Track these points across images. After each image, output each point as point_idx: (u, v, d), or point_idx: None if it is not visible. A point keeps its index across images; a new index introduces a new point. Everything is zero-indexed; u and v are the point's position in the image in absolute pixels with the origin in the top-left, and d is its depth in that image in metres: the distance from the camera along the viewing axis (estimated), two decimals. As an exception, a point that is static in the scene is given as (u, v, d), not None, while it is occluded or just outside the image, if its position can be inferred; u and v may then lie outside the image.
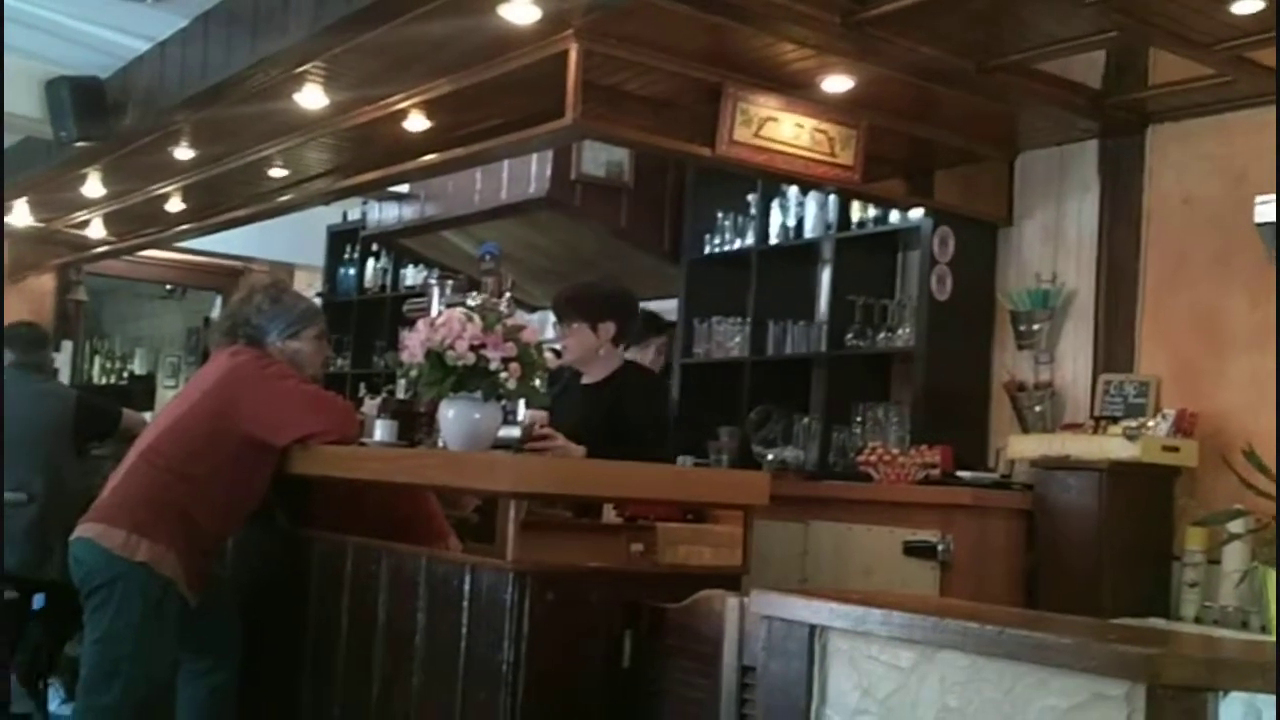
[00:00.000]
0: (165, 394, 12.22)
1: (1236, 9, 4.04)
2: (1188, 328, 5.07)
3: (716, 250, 6.98)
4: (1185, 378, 5.03)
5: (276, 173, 6.93)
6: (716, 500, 3.89)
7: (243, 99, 5.59)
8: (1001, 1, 4.20)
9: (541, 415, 4.07)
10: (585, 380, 4.62)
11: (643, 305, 5.10)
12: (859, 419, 5.99)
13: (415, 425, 4.04)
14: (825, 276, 6.51)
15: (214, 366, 4.03)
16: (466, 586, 3.29)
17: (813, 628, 2.46)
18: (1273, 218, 4.32)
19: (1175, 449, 4.79)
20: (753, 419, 6.01)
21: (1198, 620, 4.61)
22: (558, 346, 4.61)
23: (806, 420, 6.29)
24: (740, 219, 6.87)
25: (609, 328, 4.61)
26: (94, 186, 7.53)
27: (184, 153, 6.59)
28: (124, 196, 7.80)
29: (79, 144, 6.48)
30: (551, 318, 7.78)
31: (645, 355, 5.52)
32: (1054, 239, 5.58)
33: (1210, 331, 4.98)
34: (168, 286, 13.18)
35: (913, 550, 4.83)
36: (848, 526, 5.09)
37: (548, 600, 3.16)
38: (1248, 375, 4.83)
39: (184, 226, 8.31)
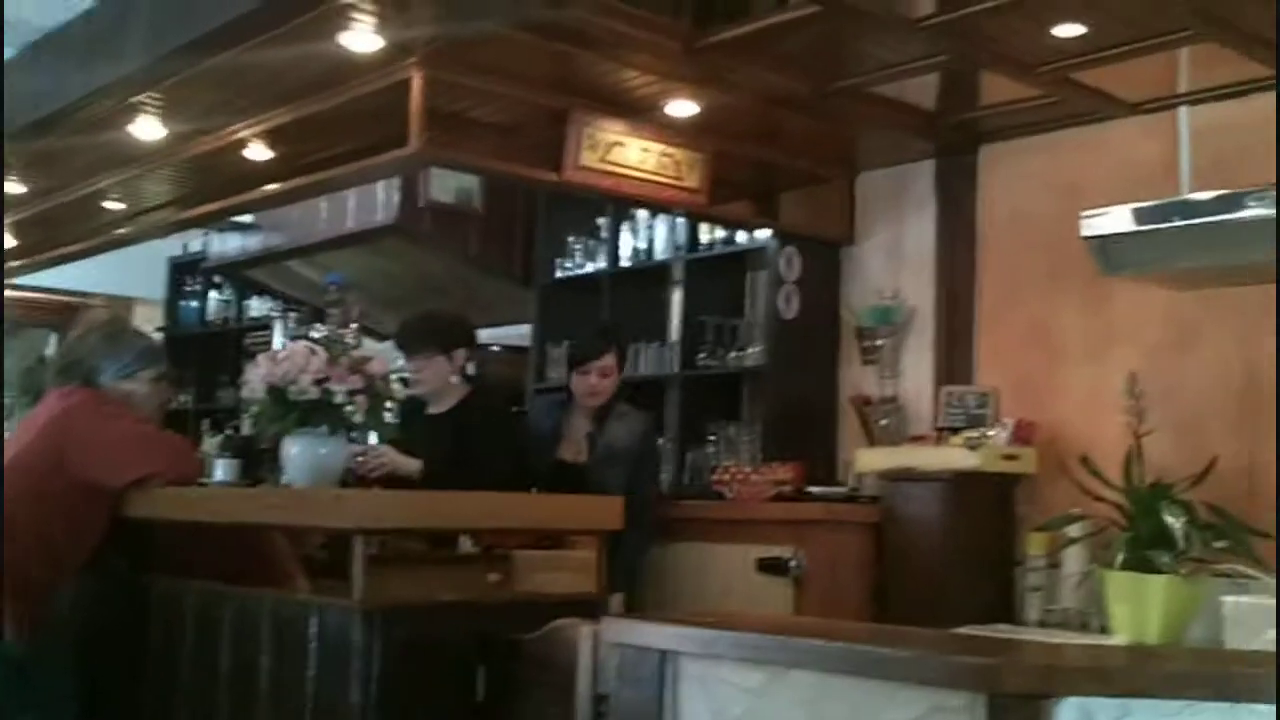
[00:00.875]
0: None
1: (1059, 32, 4.18)
2: (1024, 340, 5.22)
3: (568, 274, 6.99)
4: (1023, 388, 5.17)
5: (113, 205, 6.76)
6: (571, 526, 3.90)
7: (76, 130, 5.45)
8: (838, 28, 4.29)
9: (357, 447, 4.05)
10: (432, 410, 4.60)
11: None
12: (712, 438, 6.04)
13: (259, 463, 3.98)
14: (676, 298, 6.56)
15: (46, 408, 3.92)
16: (313, 629, 3.22)
17: (663, 653, 2.47)
18: (1100, 230, 4.46)
19: (1014, 457, 4.93)
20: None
21: (1041, 624, 4.74)
22: (406, 376, 4.58)
23: (661, 441, 6.32)
24: (591, 243, 6.89)
25: (460, 355, 4.62)
26: (-78, 222, 7.28)
27: (15, 187, 6.40)
28: (-49, 232, 7.55)
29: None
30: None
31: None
32: (895, 257, 5.71)
33: (1045, 343, 5.14)
34: None
35: (766, 567, 4.89)
36: (704, 546, 5.13)
37: (399, 638, 3.11)
38: (1082, 385, 4.99)
39: (17, 263, 8.05)
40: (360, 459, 4.06)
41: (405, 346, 4.65)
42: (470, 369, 4.84)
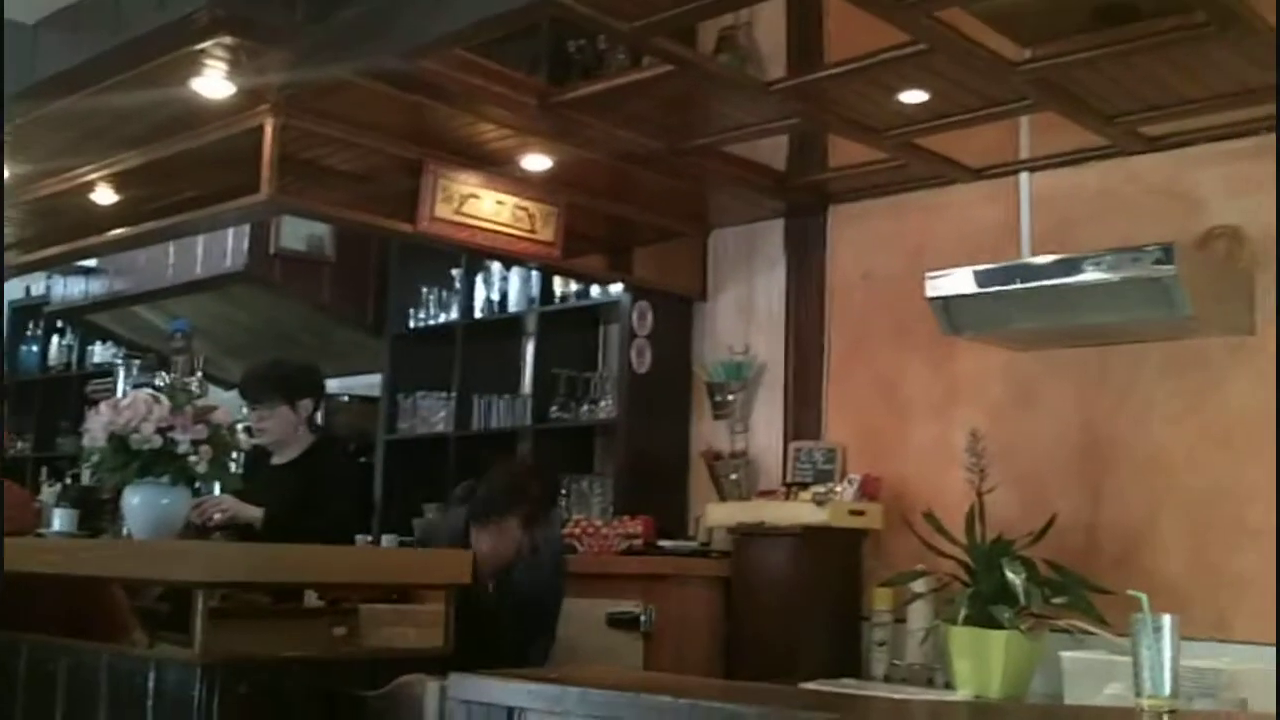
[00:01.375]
0: None
1: (905, 98, 4.29)
2: (870, 396, 5.31)
3: (421, 324, 6.96)
4: (869, 444, 5.26)
5: (-48, 246, 6.57)
6: (419, 580, 3.86)
7: (-88, 170, 5.29)
8: (691, 88, 4.36)
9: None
10: (276, 460, 4.52)
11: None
12: (564, 491, 6.04)
13: (99, 513, 3.88)
14: (529, 350, 6.57)
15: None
16: (151, 684, 3.14)
17: (510, 710, 2.47)
18: (944, 291, 4.57)
19: (861, 512, 5.00)
20: (458, 494, 5.97)
21: (887, 678, 4.80)
22: (251, 426, 4.50)
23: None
24: (444, 293, 6.88)
25: (307, 405, 4.56)
26: None
27: None
28: None
29: None
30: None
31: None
32: (746, 312, 5.78)
33: (891, 400, 5.24)
34: None
35: (616, 622, 4.89)
36: (554, 600, 5.11)
37: (240, 694, 3.06)
38: (927, 441, 5.09)
39: None
40: (199, 507, 3.98)
41: (249, 395, 4.56)
42: (317, 419, 4.77)
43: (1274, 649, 3.64)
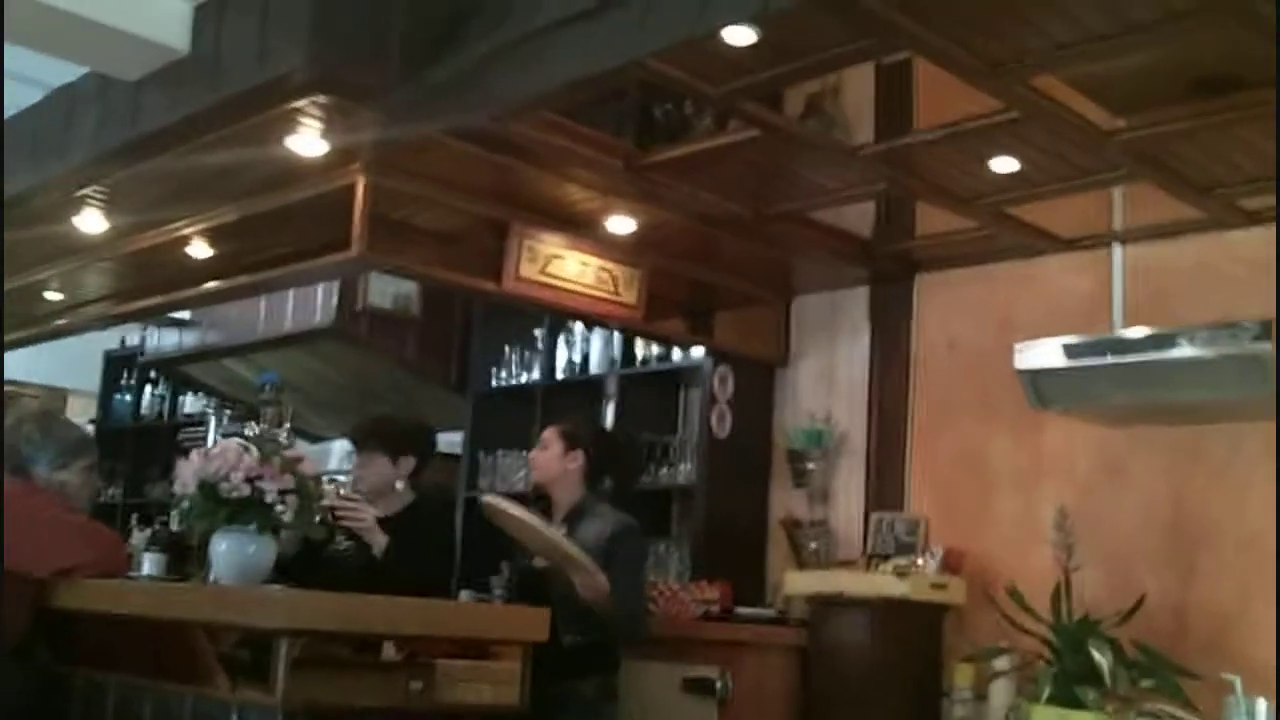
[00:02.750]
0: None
1: (995, 166, 4.27)
2: (954, 468, 5.25)
3: (503, 384, 7.00)
4: (952, 516, 5.19)
5: (53, 295, 6.72)
6: (497, 636, 3.85)
7: (20, 221, 5.41)
8: (776, 152, 4.37)
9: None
10: (376, 513, 4.55)
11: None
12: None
13: (187, 558, 3.93)
14: (609, 412, 6.57)
15: (-25, 496, 3.87)
16: (233, 728, 3.18)
17: (586, 767, 2.44)
18: (1032, 364, 4.52)
19: (943, 586, 4.93)
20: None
21: (966, 756, 4.71)
22: (346, 475, 4.54)
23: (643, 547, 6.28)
24: (527, 353, 6.92)
25: (409, 462, 4.59)
26: None
27: (-46, 273, 6.35)
28: (-116, 316, 7.46)
29: None
30: (334, 448, 7.70)
31: None
32: (827, 380, 5.76)
33: (975, 472, 5.17)
34: (-72, 410, 12.55)
35: (692, 687, 4.85)
36: (629, 663, 5.06)
37: (319, 742, 3.08)
38: (1011, 515, 5.02)
39: (-49, 349, 7.96)
40: (344, 499, 4.04)
41: (354, 442, 4.63)
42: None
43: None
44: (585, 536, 4.44)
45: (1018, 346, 4.51)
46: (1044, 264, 5.06)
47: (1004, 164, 4.25)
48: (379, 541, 4.29)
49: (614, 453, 4.78)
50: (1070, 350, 4.38)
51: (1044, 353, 4.45)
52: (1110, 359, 4.30)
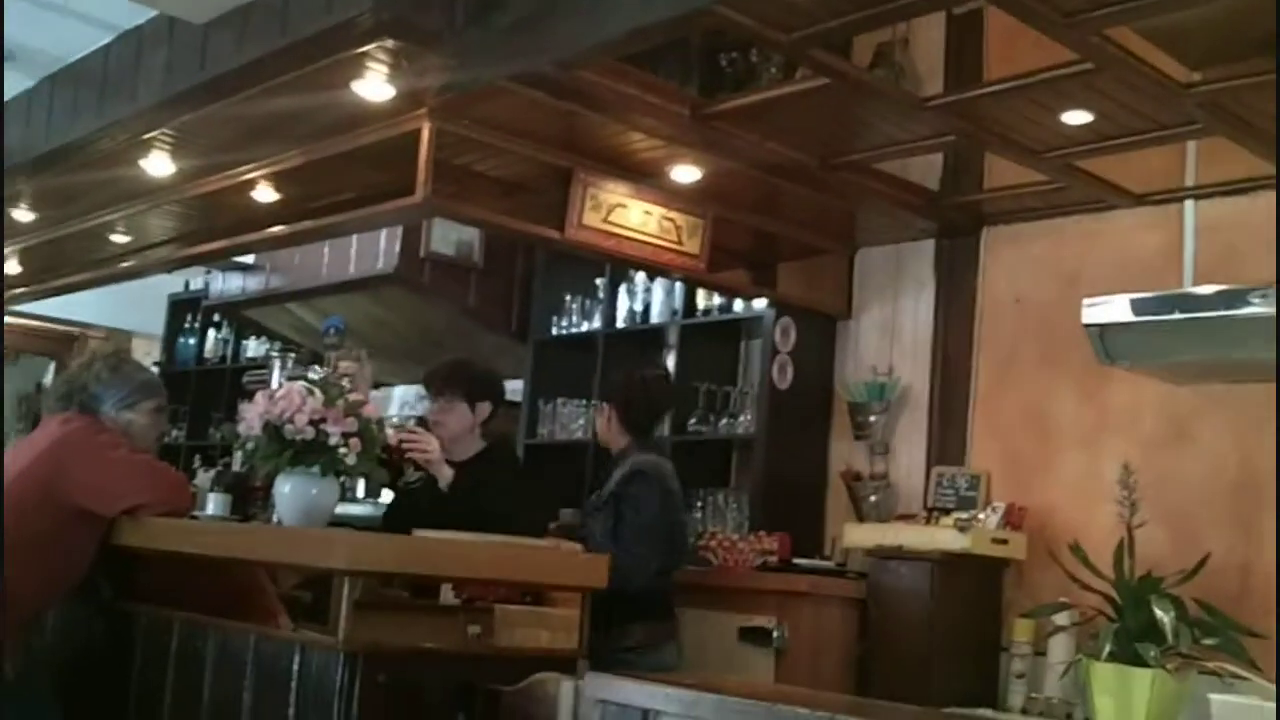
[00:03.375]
0: (-10, 461, 11.73)
1: (1067, 119, 4.20)
2: (1018, 423, 5.21)
3: (564, 332, 7.01)
4: (1015, 472, 5.16)
5: (119, 238, 6.79)
6: (556, 582, 3.87)
7: (87, 163, 5.48)
8: (843, 102, 4.32)
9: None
10: (448, 459, 4.58)
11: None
12: (700, 504, 6.03)
13: (250, 499, 3.98)
14: (670, 362, 6.56)
15: (44, 433, 3.93)
16: (296, 666, 3.21)
17: (645, 712, 2.46)
18: (1100, 319, 4.47)
19: (1004, 541, 4.91)
20: (593, 501, 6.01)
21: (1024, 711, 4.70)
22: (404, 421, 4.57)
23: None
24: (588, 302, 6.92)
25: (485, 408, 4.62)
26: (-74, 246, 7.29)
27: (23, 215, 6.42)
28: (-44, 257, 7.56)
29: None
30: (396, 394, 7.76)
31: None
32: (891, 333, 5.72)
33: (1039, 428, 5.13)
34: (-2, 351, 12.75)
35: (748, 636, 4.86)
36: (685, 611, 5.09)
37: (379, 682, 3.10)
38: (1075, 471, 4.98)
39: (19, 290, 8.06)
40: (409, 433, 4.07)
41: (432, 388, 4.65)
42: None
43: None
44: (609, 485, 4.54)
45: (1086, 302, 4.46)
46: (1114, 219, 5.00)
47: (1076, 116, 4.18)
48: (445, 474, 4.33)
49: (630, 394, 4.79)
50: (1139, 306, 4.33)
51: (1112, 309, 4.39)
52: (1179, 315, 4.24)
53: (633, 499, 4.51)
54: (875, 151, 4.80)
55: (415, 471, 4.48)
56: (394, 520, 4.50)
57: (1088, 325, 4.45)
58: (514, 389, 7.04)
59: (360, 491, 6.10)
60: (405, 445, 4.34)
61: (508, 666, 3.24)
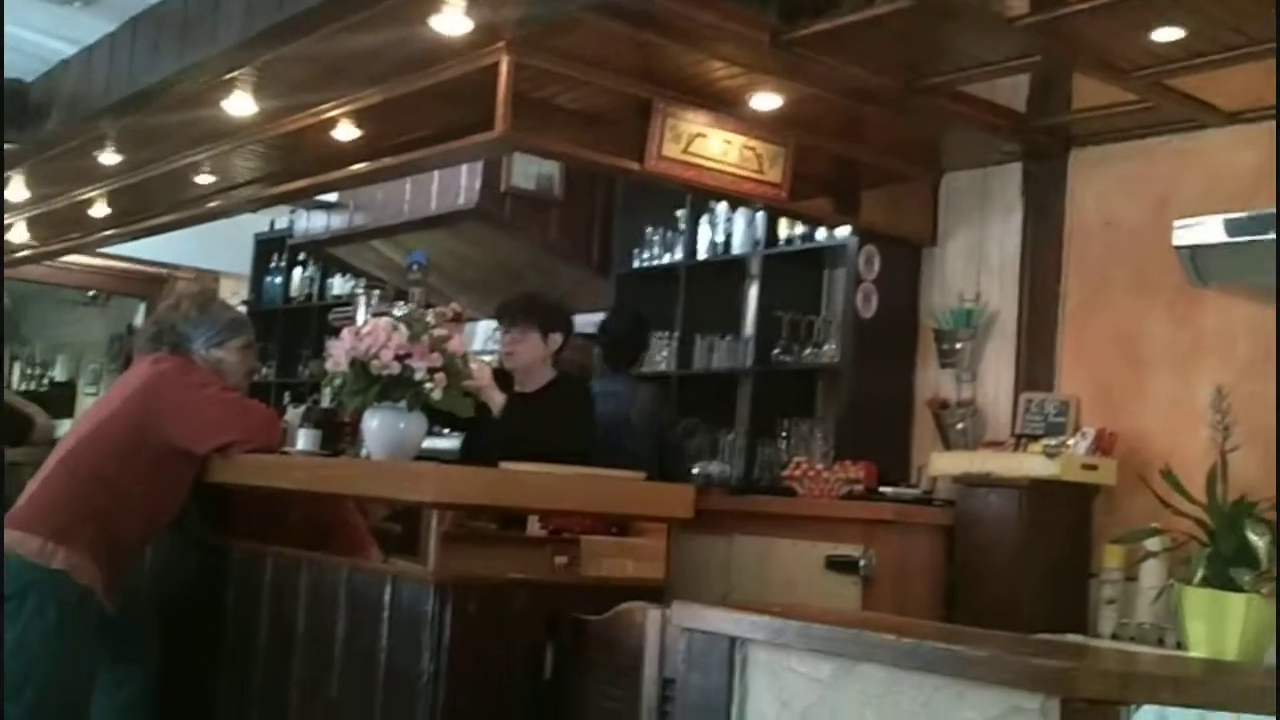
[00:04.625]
0: (86, 401, 12.02)
1: (1158, 36, 4.10)
2: (1108, 348, 5.14)
3: (645, 264, 7.00)
4: (1105, 398, 5.10)
5: (203, 179, 6.85)
6: (642, 513, 3.90)
7: (170, 105, 5.53)
8: (927, 24, 4.24)
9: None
10: (519, 389, 4.62)
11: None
12: (784, 434, 6.03)
13: (339, 435, 4.03)
14: (753, 292, 6.54)
15: (136, 373, 3.99)
16: (387, 598, 3.28)
17: (733, 640, 2.46)
18: (1192, 241, 4.39)
19: (1094, 467, 4.86)
20: (679, 432, 6.03)
21: (1114, 637, 4.67)
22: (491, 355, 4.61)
23: (732, 435, 6.31)
24: (669, 234, 6.90)
25: (557, 339, 4.65)
26: (16, 190, 7.41)
27: (109, 158, 6.50)
28: (47, 201, 7.68)
29: (1, 148, 6.38)
30: (479, 329, 7.80)
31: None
32: (977, 259, 5.65)
33: (1129, 353, 5.06)
34: (90, 293, 12.98)
35: (835, 565, 4.86)
36: (771, 541, 5.10)
37: (469, 612, 3.15)
38: (1166, 396, 4.91)
39: (108, 232, 8.19)
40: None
41: (505, 319, 4.69)
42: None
43: None
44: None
45: (1177, 223, 4.38)
46: (1205, 138, 4.89)
47: (1167, 33, 4.08)
48: (496, 400, 4.34)
49: (572, 328, 4.94)
50: (1231, 227, 4.25)
51: (1204, 229, 4.32)
52: (1273, 235, 4.15)
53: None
54: (960, 74, 4.70)
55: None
56: (469, 452, 4.55)
57: (1179, 247, 4.38)
58: (595, 322, 7.06)
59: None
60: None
61: (594, 596, 3.27)
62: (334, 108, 5.38)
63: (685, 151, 5.03)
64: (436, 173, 6.89)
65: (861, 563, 4.82)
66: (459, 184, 6.99)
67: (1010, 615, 4.60)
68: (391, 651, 3.24)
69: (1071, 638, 4.49)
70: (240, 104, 5.35)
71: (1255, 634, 3.86)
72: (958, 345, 5.54)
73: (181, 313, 4.04)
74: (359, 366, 3.43)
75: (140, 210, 7.68)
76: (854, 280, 5.78)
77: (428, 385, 3.42)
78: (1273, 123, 4.59)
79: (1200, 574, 3.94)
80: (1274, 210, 4.26)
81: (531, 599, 3.28)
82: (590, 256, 7.30)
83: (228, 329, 4.06)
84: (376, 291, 4.61)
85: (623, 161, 5.05)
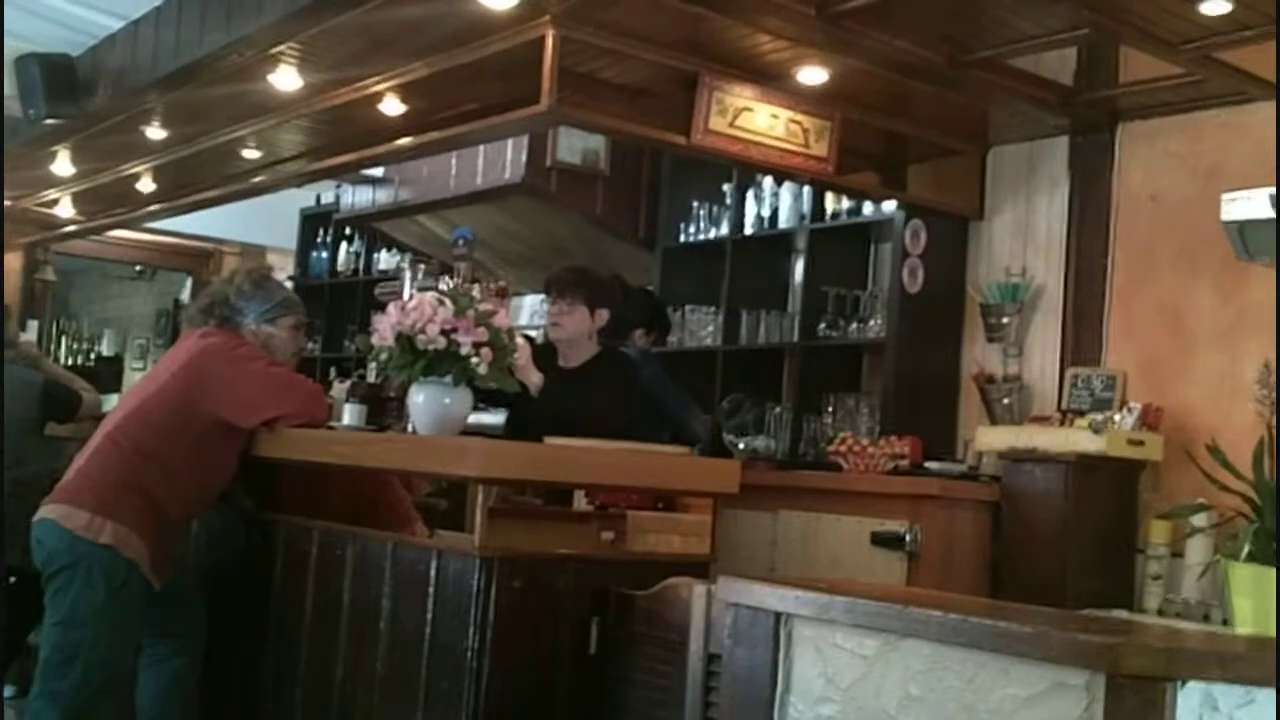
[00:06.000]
0: (133, 376, 12.12)
1: (1205, 9, 4.06)
2: (1154, 323, 5.11)
3: (691, 239, 7.00)
4: (1151, 372, 5.07)
5: (249, 154, 6.90)
6: (687, 488, 3.90)
7: (216, 79, 5.56)
8: (974, -4, 4.22)
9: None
10: (562, 363, 4.64)
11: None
12: (830, 409, 6.02)
13: (385, 409, 4.05)
14: (799, 267, 6.53)
15: (184, 347, 4.02)
16: (433, 572, 3.29)
17: (778, 615, 2.47)
18: (1240, 215, 4.34)
19: (1140, 443, 4.83)
20: (724, 408, 6.03)
21: (1160, 613, 4.65)
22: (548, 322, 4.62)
23: (778, 410, 6.31)
24: (715, 208, 6.89)
25: (603, 315, 4.65)
26: (63, 165, 7.48)
27: (155, 132, 6.55)
28: (94, 175, 7.75)
29: (48, 122, 6.43)
30: (525, 303, 7.81)
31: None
32: (1024, 234, 5.62)
33: (1176, 327, 5.02)
34: (137, 268, 13.09)
35: (880, 540, 4.85)
36: (816, 516, 5.10)
37: (514, 587, 3.17)
38: (1213, 371, 4.88)
39: (154, 207, 8.25)
40: None
41: (554, 291, 4.68)
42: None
43: None
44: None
45: (1225, 197, 4.34)
46: (1253, 111, 4.83)
47: (1215, 5, 4.04)
48: (534, 380, 4.34)
49: (621, 306, 4.92)
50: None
51: (1253, 204, 4.27)
52: (1321, 210, 4.11)
53: None
54: (1007, 47, 4.68)
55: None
56: (514, 428, 4.56)
57: (1226, 221, 4.34)
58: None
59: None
60: None
61: (640, 571, 3.29)
62: (379, 82, 5.40)
63: (732, 125, 5.02)
64: (482, 147, 6.90)
65: (907, 538, 4.81)
66: (505, 158, 6.99)
67: (1056, 591, 4.61)
68: (436, 626, 3.26)
69: (1117, 613, 4.49)
70: (286, 78, 5.38)
71: (1303, 611, 3.85)
72: (1004, 320, 5.51)
73: (236, 286, 4.06)
74: (405, 341, 3.43)
75: (186, 185, 7.74)
76: (900, 255, 5.76)
77: (473, 360, 3.43)
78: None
79: (1246, 550, 3.91)
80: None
81: (577, 574, 3.29)
82: (636, 231, 7.29)
83: (281, 306, 4.08)
84: (422, 266, 4.61)
85: (669, 135, 5.05)
